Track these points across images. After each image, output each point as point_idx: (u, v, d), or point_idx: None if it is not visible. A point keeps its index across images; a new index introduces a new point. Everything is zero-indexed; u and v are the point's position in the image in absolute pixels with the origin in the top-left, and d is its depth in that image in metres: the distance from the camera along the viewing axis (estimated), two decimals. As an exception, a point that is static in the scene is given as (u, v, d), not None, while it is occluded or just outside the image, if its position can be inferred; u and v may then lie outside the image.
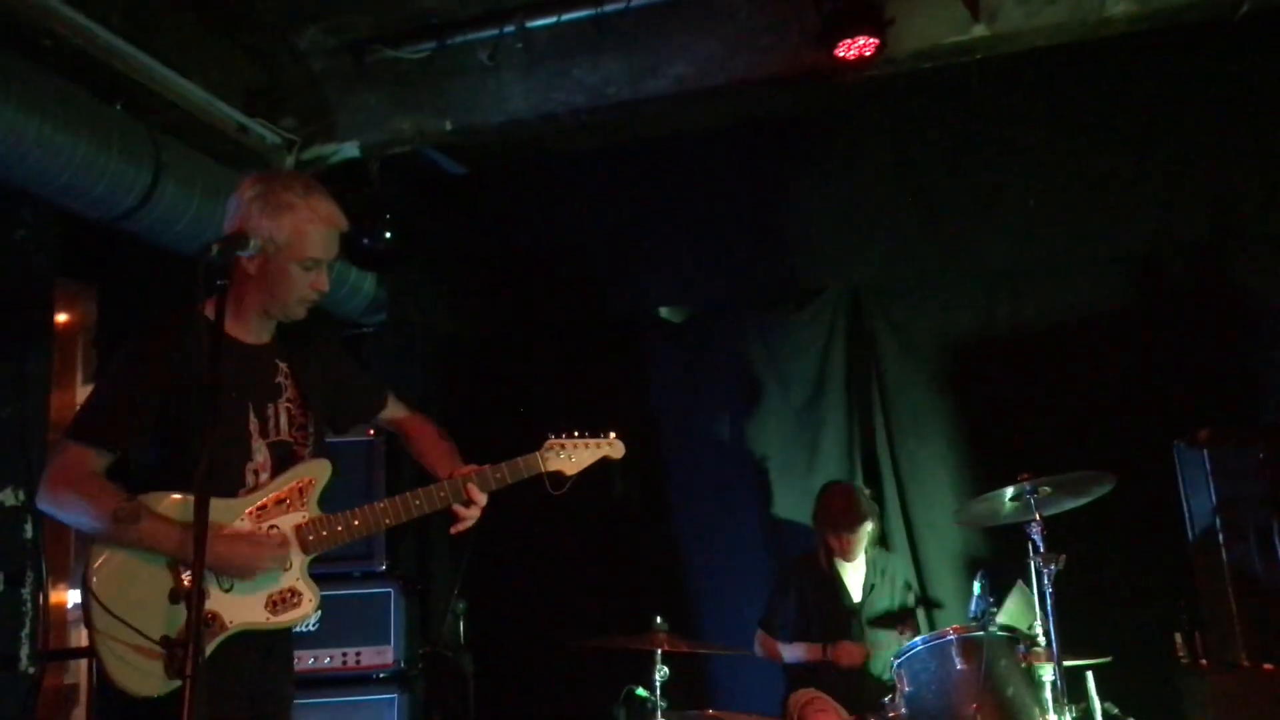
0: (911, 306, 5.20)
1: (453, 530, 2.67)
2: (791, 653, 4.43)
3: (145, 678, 2.25)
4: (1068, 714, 3.42)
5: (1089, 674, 3.61)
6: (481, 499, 2.65)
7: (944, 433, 5.03)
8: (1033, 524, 3.50)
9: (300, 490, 2.50)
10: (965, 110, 5.01)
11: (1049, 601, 3.40)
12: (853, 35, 3.99)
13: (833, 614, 4.40)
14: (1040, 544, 3.47)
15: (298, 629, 2.60)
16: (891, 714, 3.77)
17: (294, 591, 2.46)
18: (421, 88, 4.70)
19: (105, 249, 4.21)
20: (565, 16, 4.36)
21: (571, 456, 2.81)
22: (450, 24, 4.47)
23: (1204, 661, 4.04)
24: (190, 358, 2.30)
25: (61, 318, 4.39)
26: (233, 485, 2.43)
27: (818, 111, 5.24)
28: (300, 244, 2.45)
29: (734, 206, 5.40)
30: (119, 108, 3.83)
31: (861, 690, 4.15)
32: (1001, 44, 4.20)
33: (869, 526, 4.40)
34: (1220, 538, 3.96)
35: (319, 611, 2.55)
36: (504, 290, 5.77)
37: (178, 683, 1.93)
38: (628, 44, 4.42)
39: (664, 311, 5.60)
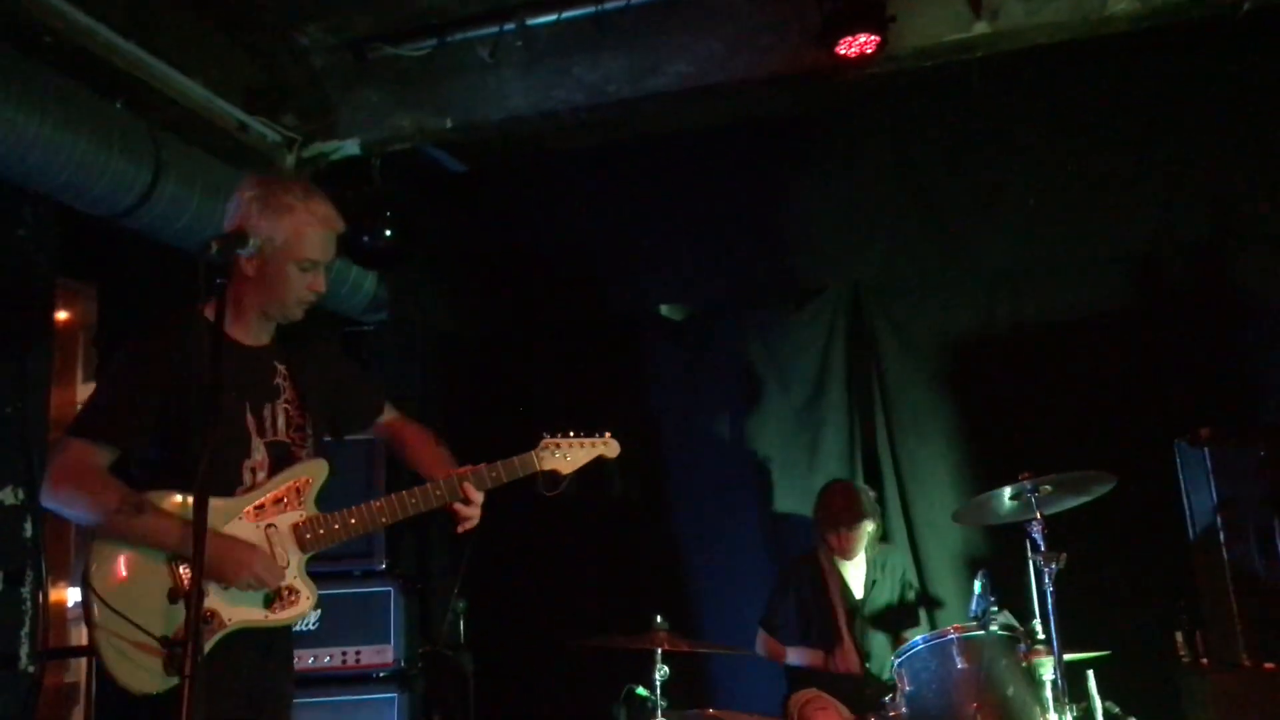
0: (911, 306, 5.20)
1: (458, 530, 2.67)
2: (796, 657, 4.44)
3: (144, 674, 2.26)
4: (1068, 713, 3.41)
5: (1090, 673, 3.60)
6: (478, 497, 2.66)
7: (944, 432, 5.03)
8: (1033, 523, 3.49)
9: (298, 490, 2.52)
10: (965, 110, 5.02)
11: (1050, 601, 3.39)
12: (854, 32, 3.99)
13: (833, 613, 4.39)
14: (1041, 543, 3.46)
15: (297, 627, 2.62)
16: (892, 714, 3.76)
17: (291, 589, 2.47)
18: (422, 85, 4.71)
19: (106, 248, 4.20)
20: (566, 14, 4.37)
21: (567, 455, 2.82)
22: (451, 22, 4.47)
23: (1205, 660, 4.04)
24: (190, 358, 2.32)
25: (62, 316, 4.38)
26: (230, 484, 2.44)
27: (818, 111, 5.24)
28: (298, 245, 2.48)
29: (734, 205, 5.40)
30: (119, 105, 3.83)
31: (862, 690, 4.15)
32: (1003, 41, 4.20)
33: (869, 525, 4.38)
34: (1221, 537, 3.96)
35: (318, 610, 2.56)
36: (504, 288, 5.78)
37: (176, 680, 1.94)
38: (628, 42, 4.43)
39: (664, 309, 5.59)
